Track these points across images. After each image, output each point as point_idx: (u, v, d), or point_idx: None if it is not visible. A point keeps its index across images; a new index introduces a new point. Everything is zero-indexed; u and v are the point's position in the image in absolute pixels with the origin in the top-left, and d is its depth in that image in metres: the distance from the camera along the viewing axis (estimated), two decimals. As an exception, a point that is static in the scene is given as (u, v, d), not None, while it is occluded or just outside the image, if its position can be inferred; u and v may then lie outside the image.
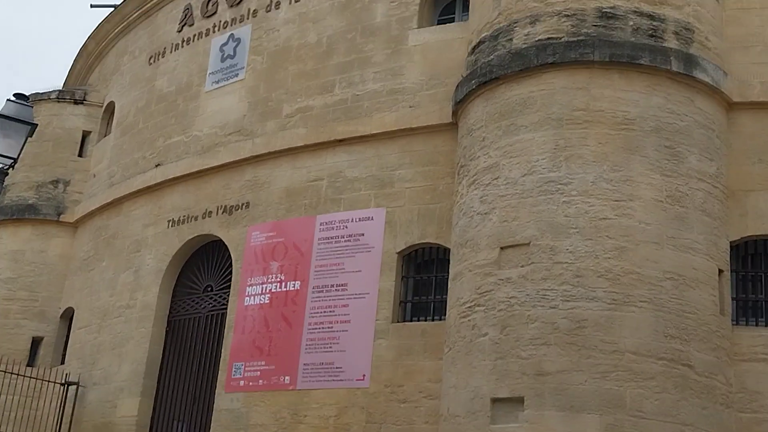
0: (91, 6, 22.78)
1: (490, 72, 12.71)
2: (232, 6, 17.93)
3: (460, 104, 13.45)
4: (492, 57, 12.82)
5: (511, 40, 12.72)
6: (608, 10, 12.30)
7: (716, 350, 11.48)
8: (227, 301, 15.89)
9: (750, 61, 12.90)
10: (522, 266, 11.66)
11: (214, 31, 18.16)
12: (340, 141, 15.11)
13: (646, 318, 11.15)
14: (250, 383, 14.77)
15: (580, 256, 11.38)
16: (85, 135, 21.54)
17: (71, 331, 19.67)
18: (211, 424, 15.09)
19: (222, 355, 15.49)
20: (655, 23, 12.29)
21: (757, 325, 12.19)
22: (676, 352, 11.11)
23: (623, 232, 11.43)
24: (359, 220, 14.49)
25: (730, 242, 12.26)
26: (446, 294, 13.04)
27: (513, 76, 12.47)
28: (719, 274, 11.89)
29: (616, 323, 11.09)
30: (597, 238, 11.42)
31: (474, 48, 13.46)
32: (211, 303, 16.59)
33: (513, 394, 11.17)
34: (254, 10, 17.42)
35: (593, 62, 12.06)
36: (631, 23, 12.25)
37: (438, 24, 15.41)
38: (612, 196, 11.57)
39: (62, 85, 24.02)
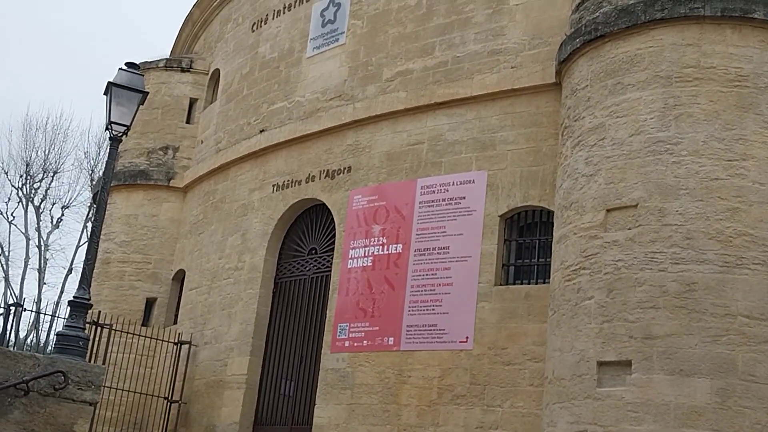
0: (195, -25, 22.92)
1: (596, 29, 12.36)
2: (332, -29, 17.87)
3: (563, 64, 13.13)
4: (597, 14, 12.47)
5: (618, -4, 12.37)
6: (719, -37, 11.78)
7: (834, 316, 11.00)
8: (331, 264, 16.00)
9: None
10: (629, 229, 11.39)
11: (314, -3, 18.15)
12: (440, 104, 14.94)
13: (759, 281, 10.79)
14: (355, 344, 14.87)
15: (690, 218, 11.05)
16: (192, 102, 21.84)
17: (183, 292, 20.14)
18: (318, 383, 15.25)
19: (327, 316, 15.63)
20: (775, -31, 11.77)
21: None
22: (794, 316, 10.72)
23: (736, 193, 11.06)
24: (460, 183, 14.34)
25: None
26: (550, 257, 12.85)
27: (619, 33, 12.10)
28: None
29: (728, 286, 10.75)
30: (708, 199, 11.08)
31: (578, 5, 13.10)
32: (315, 265, 16.70)
33: (620, 358, 10.97)
34: (354, -27, 17.33)
35: (704, 17, 11.63)
36: (748, -28, 11.75)
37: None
38: (724, 156, 11.19)
39: (169, 53, 24.34)
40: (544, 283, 13.08)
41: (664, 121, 11.49)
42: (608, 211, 11.63)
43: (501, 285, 13.62)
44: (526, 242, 13.96)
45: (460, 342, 13.54)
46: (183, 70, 21.89)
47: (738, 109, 11.31)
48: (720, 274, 10.79)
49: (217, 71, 21.35)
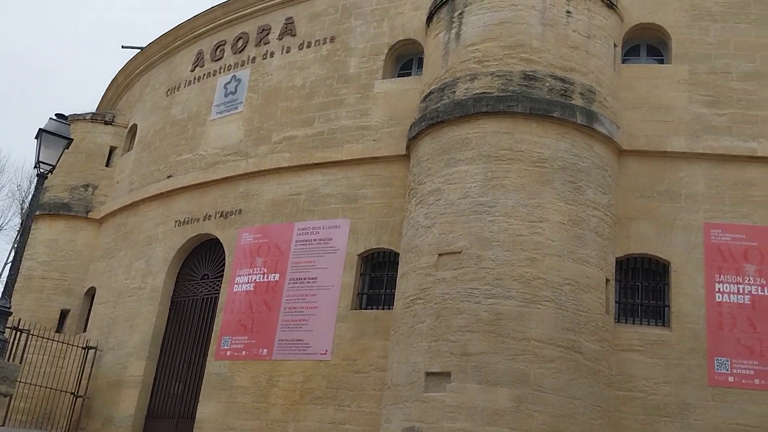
0: (122, 47, 22.78)
1: (437, 116, 12.84)
2: (235, 53, 17.90)
3: (412, 140, 13.55)
4: (439, 105, 12.95)
5: (454, 92, 12.87)
6: (530, 73, 12.52)
7: (602, 342, 11.69)
8: (220, 288, 15.81)
9: (638, 118, 13.23)
10: (455, 269, 11.76)
11: (220, 72, 18.11)
12: (317, 165, 15.12)
13: (549, 314, 11.31)
14: (235, 353, 14.70)
15: (500, 264, 11.52)
16: (112, 149, 21.38)
17: (93, 305, 19.40)
18: (202, 385, 15.00)
19: (213, 330, 15.40)
20: (566, 85, 12.51)
21: (633, 323, 12.46)
22: (571, 341, 11.29)
23: (534, 246, 11.60)
24: (329, 227, 14.51)
25: (616, 258, 12.50)
26: (394, 289, 13.11)
27: (454, 121, 12.60)
28: (606, 282, 12.10)
29: (526, 317, 11.25)
30: (514, 250, 11.57)
31: (425, 97, 13.58)
32: (207, 288, 16.48)
33: (443, 369, 11.27)
34: (253, 57, 17.41)
35: (517, 113, 12.22)
36: (548, 84, 12.46)
37: (398, 76, 15.57)
38: (527, 218, 11.73)
39: (96, 108, 23.91)
40: (389, 309, 13.33)
41: (484, 189, 11.98)
42: (440, 255, 11.97)
43: (356, 309, 13.81)
44: (377, 276, 14.16)
45: (321, 354, 13.63)
46: (106, 123, 21.49)
47: (539, 184, 11.91)
48: (520, 307, 11.28)
49: (134, 126, 20.93)
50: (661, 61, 13.91)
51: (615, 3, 13.55)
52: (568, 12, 12.94)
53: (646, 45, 14.22)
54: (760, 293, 12.16)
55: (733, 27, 13.53)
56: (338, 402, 13.14)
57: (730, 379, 11.78)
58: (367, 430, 12.64)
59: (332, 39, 16.12)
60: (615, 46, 13.46)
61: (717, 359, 11.90)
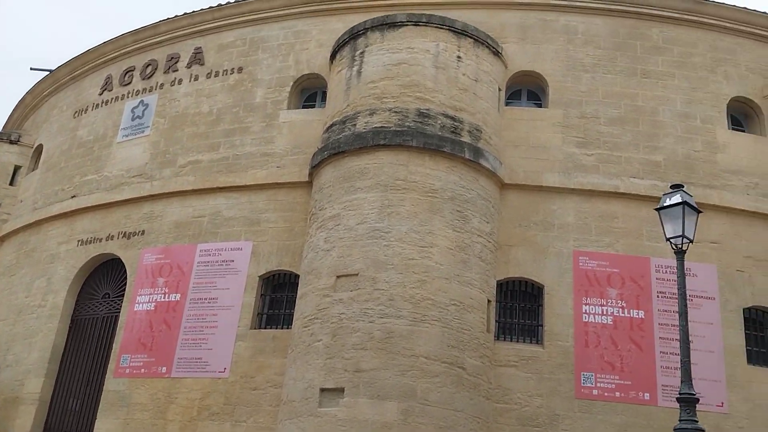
0: (31, 69, 21.54)
1: (339, 147, 12.81)
2: (144, 79, 17.25)
3: (314, 168, 13.44)
4: (341, 136, 12.94)
5: (355, 125, 12.89)
6: (424, 111, 12.70)
7: (482, 358, 11.84)
8: (120, 306, 15.01)
9: (518, 156, 13.61)
10: (351, 291, 11.68)
11: (128, 97, 17.37)
12: (221, 188, 14.68)
13: (435, 332, 11.36)
14: (134, 371, 13.94)
15: (393, 285, 11.53)
16: (17, 168, 20.02)
17: (-9, 322, 18.08)
18: (101, 402, 14.15)
19: (113, 348, 14.59)
20: (456, 123, 12.76)
21: (511, 340, 12.67)
22: (455, 357, 11.38)
23: (424, 269, 11.67)
24: (231, 249, 14.08)
25: (497, 281, 12.72)
26: (294, 309, 12.85)
27: (354, 151, 12.60)
28: (488, 303, 12.30)
29: (415, 335, 11.26)
30: (406, 273, 11.61)
31: (328, 128, 13.53)
32: (107, 307, 15.58)
33: (336, 385, 11.12)
34: (161, 84, 16.83)
35: (412, 147, 12.36)
36: (440, 122, 12.67)
37: (303, 108, 15.41)
38: (418, 243, 11.82)
39: (1, 128, 22.45)
40: (288, 328, 13.01)
41: (380, 215, 11.99)
42: (338, 277, 11.86)
43: (255, 329, 13.40)
44: (277, 297, 13.84)
45: (219, 372, 13.12)
46: (12, 142, 20.12)
47: (429, 212, 12.03)
48: (410, 326, 11.29)
49: (40, 146, 19.74)
50: (540, 105, 14.42)
51: (500, 51, 13.98)
52: (458, 57, 13.24)
53: (527, 90, 14.71)
54: (620, 314, 12.67)
55: (602, 77, 14.23)
56: (235, 418, 12.67)
57: (595, 392, 12.16)
58: (262, 445, 12.28)
59: (240, 69, 15.81)
60: (499, 89, 13.86)
61: (583, 374, 12.26)
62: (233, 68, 15.90)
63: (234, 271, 13.87)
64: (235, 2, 16.30)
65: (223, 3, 16.51)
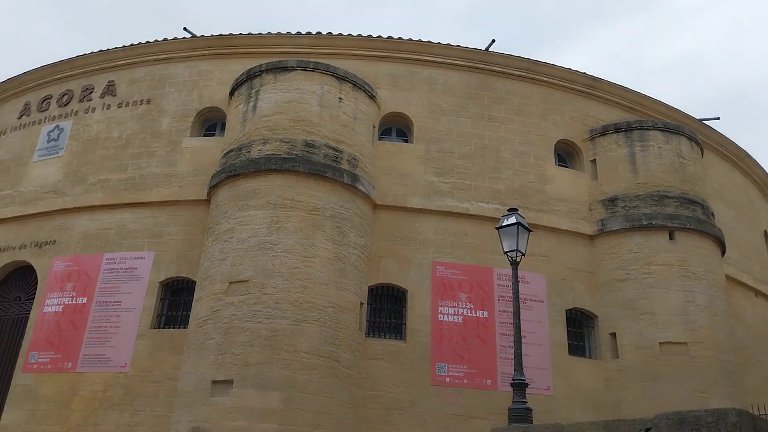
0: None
1: (235, 170, 12.49)
2: (60, 106, 16.11)
3: (213, 188, 13.03)
4: (237, 161, 12.63)
5: (249, 152, 12.61)
6: (310, 142, 12.61)
7: (355, 352, 11.77)
8: (30, 309, 13.87)
9: (388, 182, 13.73)
10: (242, 295, 11.36)
11: (44, 121, 16.16)
12: (127, 204, 13.92)
13: (315, 331, 11.22)
14: (42, 367, 12.92)
15: (279, 290, 11.30)
16: (-64, 182, 18.14)
17: None
18: (8, 395, 12.97)
19: (23, 346, 13.43)
20: (337, 153, 12.74)
21: (379, 337, 12.67)
22: (331, 352, 11.26)
23: (307, 277, 11.52)
24: (135, 258, 13.36)
25: (369, 286, 12.72)
26: (190, 311, 12.34)
27: (249, 174, 12.32)
28: (361, 305, 12.28)
29: (297, 333, 11.07)
30: (291, 280, 11.41)
31: (225, 153, 13.17)
32: (18, 309, 14.36)
33: (226, 378, 10.77)
34: (76, 111, 15.78)
35: (299, 172, 12.22)
36: (323, 151, 12.62)
37: (204, 136, 14.88)
38: (302, 254, 11.66)
39: None
40: (184, 328, 12.47)
41: (270, 230, 11.76)
42: (230, 283, 11.52)
43: (155, 328, 12.75)
44: (175, 300, 13.24)
45: (121, 367, 12.37)
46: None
47: (312, 228, 11.92)
48: (293, 325, 11.09)
49: (-39, 163, 18.08)
50: (406, 141, 14.65)
51: (375, 95, 14.13)
52: (340, 98, 13.26)
53: (396, 128, 14.92)
54: (469, 315, 12.97)
55: (456, 120, 14.66)
56: (134, 408, 11.96)
57: (447, 379, 12.36)
58: (158, 431, 11.58)
59: (148, 101, 15.10)
60: (374, 126, 13.98)
61: (438, 364, 12.44)
62: (142, 99, 15.17)
63: (137, 277, 13.15)
64: (146, 42, 15.60)
65: (135, 43, 15.78)
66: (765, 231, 19.29)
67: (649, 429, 5.21)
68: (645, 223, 13.95)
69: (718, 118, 17.64)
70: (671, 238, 13.91)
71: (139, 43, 15.69)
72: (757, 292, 17.04)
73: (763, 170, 19.85)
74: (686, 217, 14.05)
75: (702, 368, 12.79)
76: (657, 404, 12.12)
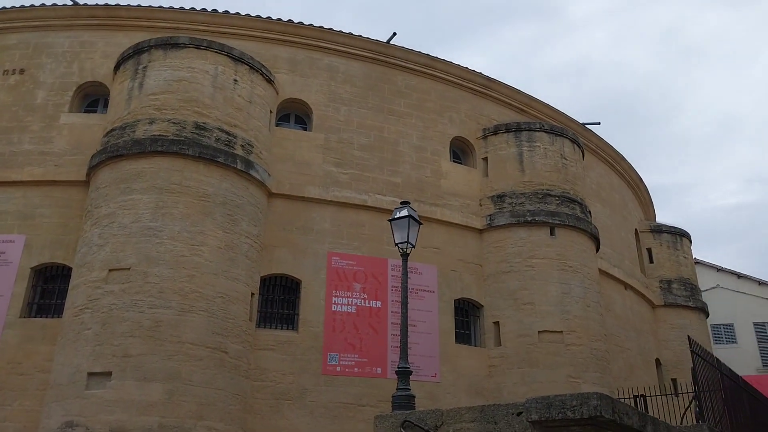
0: None
1: (117, 150, 11.86)
2: None
3: (93, 169, 12.30)
4: (120, 141, 11.99)
5: (134, 131, 12.01)
6: (201, 124, 12.20)
7: (244, 343, 11.60)
8: None
9: (285, 170, 13.59)
10: (123, 283, 10.86)
11: None
12: (-5, 183, 12.85)
13: (201, 321, 10.93)
14: None
15: (164, 279, 10.90)
16: None
17: None
18: None
19: None
20: (230, 137, 12.41)
21: (271, 327, 12.58)
22: (219, 343, 11.03)
23: (194, 266, 11.18)
24: (3, 242, 12.35)
25: (261, 276, 12.56)
26: (65, 299, 11.60)
27: (132, 156, 11.74)
28: (252, 296, 12.10)
29: (182, 324, 10.74)
30: (177, 268, 11.04)
31: (108, 132, 12.47)
32: None
33: (105, 369, 10.28)
34: (-64, 76, 14.31)
35: (188, 155, 11.79)
36: (215, 135, 12.25)
37: (84, 112, 13.97)
38: (190, 242, 11.30)
39: None
40: (59, 317, 11.72)
41: (155, 215, 11.28)
42: (110, 270, 10.96)
43: (25, 317, 11.91)
44: (49, 288, 12.42)
45: (-14, 359, 11.46)
46: None
47: (201, 215, 11.56)
48: (178, 316, 10.74)
49: None
50: (305, 129, 14.54)
51: (272, 79, 13.89)
52: (235, 80, 12.92)
53: (295, 115, 14.77)
54: (362, 305, 13.16)
55: (357, 110, 14.74)
56: (0, 402, 11.10)
57: (338, 369, 12.49)
58: (27, 427, 10.85)
59: (21, 71, 13.93)
60: (271, 112, 13.74)
61: (330, 354, 12.54)
62: (15, 69, 13.97)
63: (5, 262, 12.20)
64: (20, 7, 14.36)
65: (8, 6, 14.48)
66: (636, 229, 21.03)
67: (521, 413, 5.55)
68: (529, 219, 14.76)
69: (599, 123, 19.00)
70: (552, 233, 14.83)
71: (12, 7, 14.41)
72: (627, 285, 18.55)
73: (637, 173, 21.59)
74: (566, 215, 15.02)
75: (575, 355, 13.77)
76: (534, 389, 12.95)
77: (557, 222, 14.87)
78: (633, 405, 13.34)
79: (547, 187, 15.30)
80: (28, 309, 12.09)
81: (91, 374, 10.25)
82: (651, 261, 21.04)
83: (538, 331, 13.89)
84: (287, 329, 12.61)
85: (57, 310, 11.97)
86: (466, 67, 16.37)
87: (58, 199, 12.64)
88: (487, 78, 16.52)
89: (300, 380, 12.02)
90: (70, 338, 10.76)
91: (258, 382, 11.72)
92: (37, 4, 14.40)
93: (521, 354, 13.74)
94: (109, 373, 10.21)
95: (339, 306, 12.97)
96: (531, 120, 16.62)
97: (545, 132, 15.94)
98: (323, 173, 13.84)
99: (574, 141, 16.42)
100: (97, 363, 10.30)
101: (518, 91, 17.05)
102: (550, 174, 15.49)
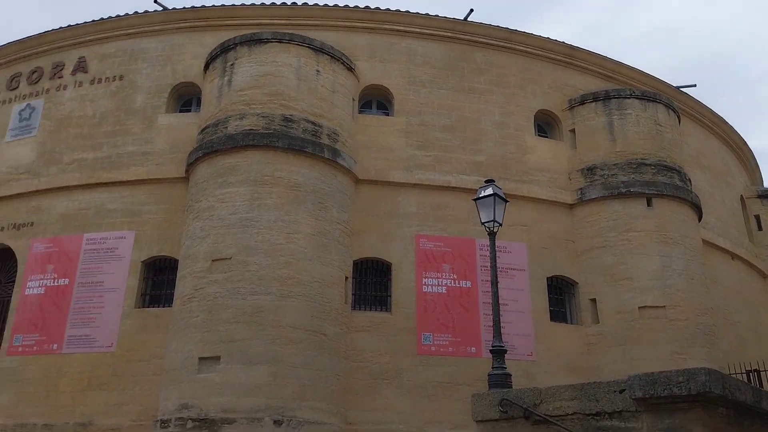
0: None
1: (212, 146, 12.49)
2: (30, 84, 15.84)
3: (191, 165, 13.03)
4: (214, 137, 12.62)
5: (227, 127, 12.61)
6: (288, 116, 12.64)
7: (341, 325, 12.03)
8: (12, 292, 13.84)
9: (369, 156, 13.85)
10: (225, 272, 11.48)
11: (15, 100, 15.88)
12: (105, 184, 13.87)
13: (300, 306, 11.42)
14: (26, 349, 12.96)
15: (262, 267, 11.44)
16: None
17: None
18: (-7, 379, 13.04)
19: (6, 329, 13.44)
20: (316, 127, 12.79)
21: (364, 309, 12.94)
22: (317, 326, 11.49)
23: (290, 253, 11.66)
24: (115, 238, 13.37)
25: (353, 260, 12.91)
26: (174, 290, 12.44)
27: (226, 151, 12.33)
28: (345, 280, 12.48)
29: (282, 309, 11.26)
30: (274, 256, 11.55)
31: (202, 130, 13.15)
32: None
33: (213, 354, 10.95)
34: (47, 88, 15.56)
35: (278, 147, 12.25)
36: (302, 126, 12.65)
37: (180, 112, 14.81)
38: (284, 230, 11.78)
39: None
40: (169, 306, 12.55)
41: (250, 206, 11.83)
42: (213, 261, 11.61)
43: (139, 308, 12.86)
44: (158, 279, 13.31)
45: (107, 347, 12.50)
46: None
47: (293, 204, 12.01)
48: (277, 301, 11.27)
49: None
50: (387, 114, 14.73)
51: (353, 67, 14.14)
52: (317, 71, 13.26)
53: (376, 101, 14.99)
54: (452, 285, 13.27)
55: (437, 92, 14.75)
56: (121, 387, 12.14)
57: (432, 348, 12.69)
58: (147, 409, 11.80)
59: (121, 77, 14.94)
60: (353, 100, 14.01)
61: (423, 334, 12.75)
62: (115, 76, 15.00)
63: (118, 257, 13.21)
64: (116, 17, 15.36)
65: (105, 17, 15.52)
66: (741, 195, 19.82)
67: (624, 390, 5.47)
68: (623, 190, 14.29)
69: (695, 85, 17.98)
70: (649, 204, 14.29)
71: (109, 18, 15.45)
72: (734, 256, 17.59)
73: (739, 136, 20.30)
74: (663, 184, 14.41)
75: (679, 330, 13.29)
76: (635, 367, 12.56)
77: (654, 192, 14.31)
78: (746, 380, 12.74)
79: (641, 156, 14.73)
80: (142, 300, 13.04)
81: (201, 359, 10.98)
82: (760, 228, 19.80)
83: (639, 307, 13.49)
84: (381, 311, 12.93)
85: (167, 300, 12.83)
86: (548, 38, 15.97)
87: (161, 195, 13.51)
88: (570, 47, 16.03)
89: (396, 360, 12.33)
90: (180, 326, 11.56)
91: (355, 362, 12.13)
92: (130, 13, 15.34)
93: (621, 331, 13.41)
94: (218, 358, 10.89)
95: (429, 287, 13.14)
96: (620, 87, 15.99)
97: (636, 98, 15.31)
98: (406, 157, 13.98)
99: (668, 106, 15.68)
100: (206, 348, 11.02)
101: (604, 58, 16.44)
102: (644, 142, 14.89)
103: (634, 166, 14.59)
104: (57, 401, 12.31)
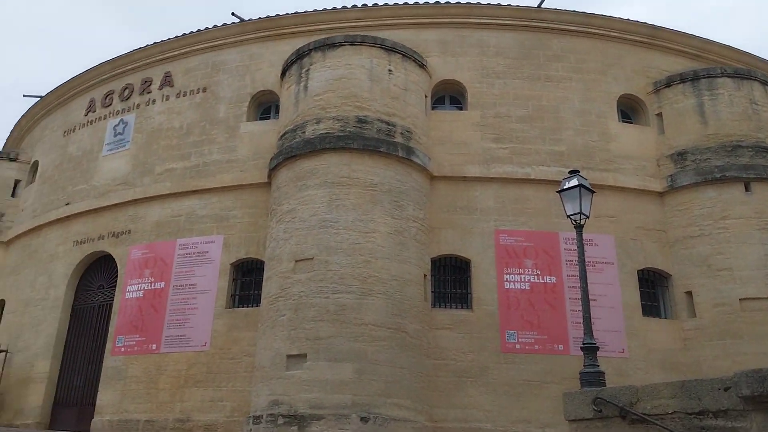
0: (24, 95, 21.04)
1: (291, 151, 12.89)
2: (122, 100, 17.00)
3: (272, 170, 13.49)
4: (293, 142, 13.01)
5: (304, 132, 12.97)
6: (362, 117, 12.84)
7: (422, 323, 12.11)
8: (114, 296, 14.93)
9: (444, 152, 13.82)
10: (308, 272, 11.82)
11: (109, 116, 17.13)
12: (194, 191, 14.63)
13: (380, 304, 11.59)
14: (129, 350, 13.95)
15: (343, 266, 11.70)
16: (17, 182, 19.58)
17: (3, 315, 17.70)
18: (101, 377, 14.11)
19: (109, 331, 14.53)
20: (390, 127, 12.92)
21: (445, 307, 12.94)
22: (398, 324, 11.63)
23: (369, 252, 11.86)
24: (205, 243, 14.09)
25: (431, 258, 12.94)
26: (261, 290, 12.94)
27: (305, 155, 12.68)
28: (424, 277, 12.54)
29: (363, 307, 11.48)
30: (353, 255, 11.79)
31: (281, 136, 13.58)
32: (102, 297, 15.49)
33: (300, 352, 11.31)
34: (138, 104, 16.64)
35: (353, 149, 12.48)
36: (376, 126, 12.82)
37: (260, 120, 15.37)
38: (362, 230, 11.99)
39: (2, 148, 21.87)
40: (257, 306, 13.09)
41: (329, 208, 12.13)
42: (296, 261, 11.99)
43: (230, 308, 13.48)
44: (246, 280, 13.89)
45: (201, 346, 13.22)
46: (11, 160, 19.63)
47: (371, 203, 12.21)
48: (358, 299, 11.50)
49: (36, 162, 19.32)
50: (460, 108, 14.63)
51: (425, 64, 14.17)
52: (389, 70, 13.39)
53: (449, 96, 14.93)
54: (536, 281, 13.03)
55: (511, 82, 14.51)
56: (216, 384, 12.79)
57: (517, 346, 12.52)
58: (240, 405, 12.39)
59: (204, 89, 15.73)
60: (426, 96, 14.04)
61: (507, 332, 12.60)
62: (198, 88, 15.81)
63: (209, 260, 13.91)
64: (197, 31, 16.18)
65: (187, 32, 16.38)
66: None
67: (729, 388, 5.13)
68: (718, 175, 13.51)
69: (796, 57, 16.68)
70: (747, 189, 13.43)
71: (191, 33, 16.29)
72: None
73: None
74: (763, 167, 13.51)
75: (785, 323, 12.42)
76: (739, 363, 11.89)
77: (753, 176, 13.43)
78: None
79: (736, 138, 13.87)
80: (231, 300, 13.67)
81: (289, 356, 11.37)
82: None
83: (740, 299, 12.71)
84: (462, 308, 12.90)
85: (255, 300, 13.37)
86: (627, 19, 15.34)
87: (246, 200, 14.07)
88: (653, 27, 15.31)
89: (479, 358, 12.27)
90: (268, 324, 12.03)
91: (438, 360, 12.17)
92: (210, 27, 16.10)
93: (720, 325, 12.70)
94: (305, 355, 11.24)
95: (512, 283, 12.96)
96: (709, 66, 15.10)
97: (728, 77, 14.41)
98: (482, 151, 13.85)
99: (764, 83, 14.65)
100: (294, 346, 11.41)
101: (690, 36, 15.57)
102: (739, 123, 14.00)
103: (729, 150, 13.75)
104: (157, 398, 13.15)
